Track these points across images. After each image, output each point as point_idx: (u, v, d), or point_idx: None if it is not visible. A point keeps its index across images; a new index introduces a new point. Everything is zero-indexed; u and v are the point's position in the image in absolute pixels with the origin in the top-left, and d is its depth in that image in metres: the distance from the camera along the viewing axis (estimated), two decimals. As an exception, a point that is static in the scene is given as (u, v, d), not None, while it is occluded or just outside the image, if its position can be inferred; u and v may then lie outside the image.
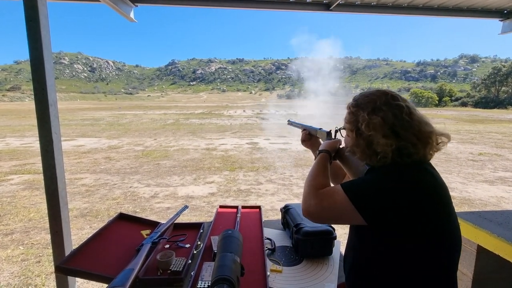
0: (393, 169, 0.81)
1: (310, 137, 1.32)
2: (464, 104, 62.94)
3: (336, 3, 2.41)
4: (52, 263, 2.60)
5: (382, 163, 0.82)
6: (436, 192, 0.77)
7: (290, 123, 1.59)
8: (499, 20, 2.86)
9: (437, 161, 7.92)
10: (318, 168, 0.97)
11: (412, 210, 0.73)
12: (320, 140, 1.26)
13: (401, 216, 0.74)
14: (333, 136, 1.15)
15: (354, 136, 0.89)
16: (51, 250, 2.36)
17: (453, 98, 69.70)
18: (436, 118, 26.28)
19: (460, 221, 1.50)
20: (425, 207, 0.74)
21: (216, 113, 32.63)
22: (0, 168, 6.82)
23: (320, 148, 1.07)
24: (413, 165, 0.80)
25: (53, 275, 2.56)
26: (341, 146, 1.09)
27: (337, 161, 1.09)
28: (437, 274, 0.77)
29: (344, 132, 0.99)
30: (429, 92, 69.27)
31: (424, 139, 0.81)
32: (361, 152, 0.87)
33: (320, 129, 1.25)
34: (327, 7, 2.51)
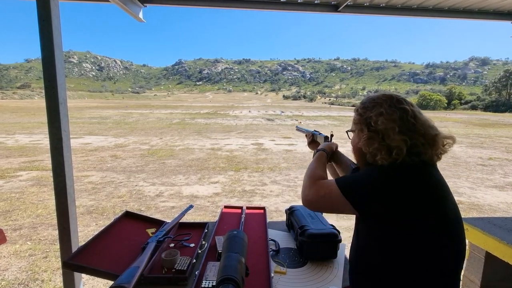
0: (387, 167, 0.83)
1: (315, 140, 1.46)
2: (474, 108, 61.61)
3: (345, 4, 2.40)
4: (59, 259, 2.65)
5: (394, 160, 0.83)
6: (427, 192, 0.79)
7: (298, 129, 1.70)
8: (511, 23, 2.81)
9: (445, 165, 7.79)
10: (316, 163, 1.06)
11: (399, 205, 0.76)
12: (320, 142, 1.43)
13: (387, 209, 0.77)
14: (329, 140, 1.31)
15: (366, 132, 0.90)
16: (57, 246, 2.39)
17: (462, 101, 68.24)
18: (445, 121, 25.87)
19: (468, 226, 1.48)
20: (412, 204, 0.77)
21: (222, 113, 32.73)
22: (10, 164, 6.97)
23: (319, 147, 1.20)
24: (410, 166, 0.82)
25: (60, 271, 2.60)
26: (336, 150, 1.24)
27: (333, 163, 1.24)
28: (437, 278, 0.78)
29: (351, 134, 1.01)
30: (437, 95, 68.18)
31: (431, 142, 0.84)
32: (378, 145, 0.86)
33: (319, 133, 1.42)
34: (335, 8, 2.50)
